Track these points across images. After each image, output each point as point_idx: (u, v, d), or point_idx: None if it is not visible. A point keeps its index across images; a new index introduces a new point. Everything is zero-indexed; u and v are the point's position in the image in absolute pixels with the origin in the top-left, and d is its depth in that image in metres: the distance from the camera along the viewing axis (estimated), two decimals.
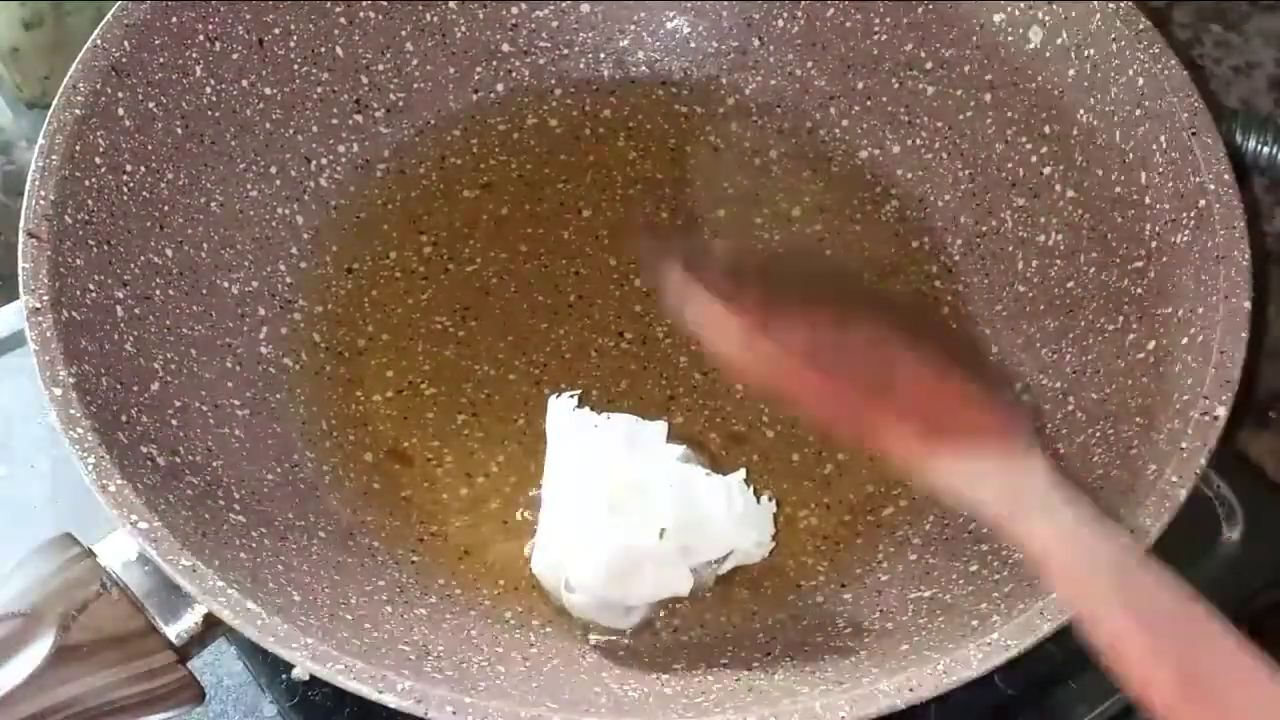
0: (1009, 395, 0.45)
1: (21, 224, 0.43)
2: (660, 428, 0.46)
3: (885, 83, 0.56)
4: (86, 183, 0.45)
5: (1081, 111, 0.50)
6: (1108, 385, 0.46)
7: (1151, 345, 0.45)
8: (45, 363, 0.40)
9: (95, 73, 0.46)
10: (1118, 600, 0.32)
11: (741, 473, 0.45)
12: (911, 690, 0.36)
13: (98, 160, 0.46)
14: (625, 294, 0.53)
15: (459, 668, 0.40)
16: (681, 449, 0.46)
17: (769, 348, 0.39)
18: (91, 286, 0.44)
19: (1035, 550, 0.34)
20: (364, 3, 0.54)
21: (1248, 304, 0.43)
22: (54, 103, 0.45)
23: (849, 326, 0.40)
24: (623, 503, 0.43)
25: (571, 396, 0.46)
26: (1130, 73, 0.49)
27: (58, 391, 0.40)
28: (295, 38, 0.53)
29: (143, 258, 0.46)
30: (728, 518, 0.44)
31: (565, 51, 0.58)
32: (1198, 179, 0.46)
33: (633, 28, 0.59)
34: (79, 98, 0.46)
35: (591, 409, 0.46)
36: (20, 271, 0.42)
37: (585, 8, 0.58)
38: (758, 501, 0.45)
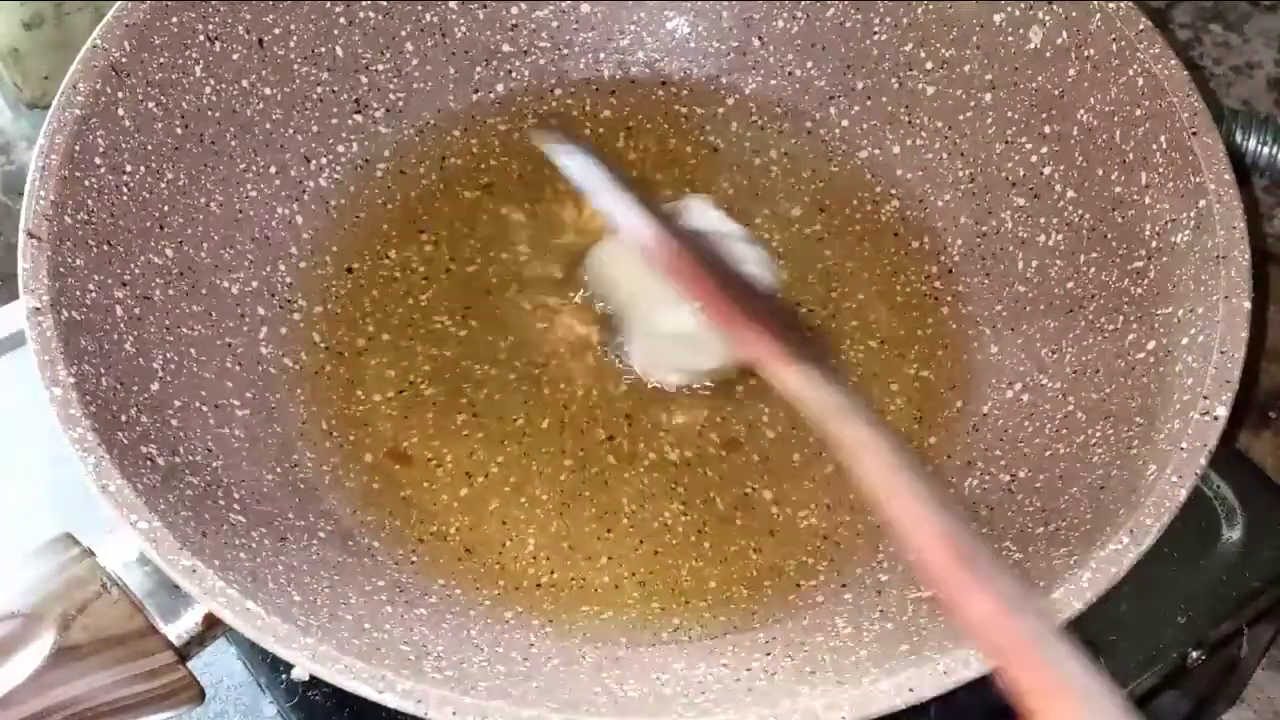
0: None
1: (21, 224, 0.43)
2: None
3: (885, 83, 0.56)
4: (86, 183, 0.45)
5: (1081, 111, 0.50)
6: (1108, 385, 0.46)
7: (1151, 345, 0.45)
8: (45, 363, 0.40)
9: (95, 73, 0.46)
10: None
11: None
12: (911, 690, 0.36)
13: (98, 160, 0.46)
14: None
15: (459, 668, 0.40)
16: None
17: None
18: (91, 286, 0.44)
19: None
20: (364, 3, 0.54)
21: (1248, 304, 0.43)
22: (54, 103, 0.45)
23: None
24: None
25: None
26: (1130, 73, 0.49)
27: (58, 391, 0.40)
28: (295, 38, 0.53)
29: (143, 258, 0.46)
30: None
31: (565, 51, 0.58)
32: (1198, 179, 0.46)
33: (633, 28, 0.58)
34: (79, 98, 0.46)
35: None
36: (20, 271, 0.42)
37: (585, 8, 0.58)
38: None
